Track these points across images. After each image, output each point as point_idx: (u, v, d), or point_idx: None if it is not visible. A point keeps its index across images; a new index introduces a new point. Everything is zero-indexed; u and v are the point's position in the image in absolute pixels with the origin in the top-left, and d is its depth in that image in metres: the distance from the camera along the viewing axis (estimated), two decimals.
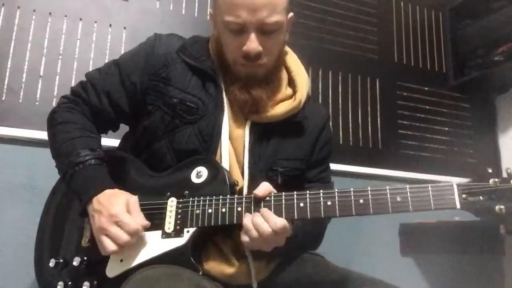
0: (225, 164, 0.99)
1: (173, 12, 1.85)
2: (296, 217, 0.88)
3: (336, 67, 2.12)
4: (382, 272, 1.14)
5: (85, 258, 0.98)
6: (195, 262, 0.91)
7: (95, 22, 1.72)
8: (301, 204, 0.88)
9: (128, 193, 0.95)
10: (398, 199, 0.82)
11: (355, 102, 2.13)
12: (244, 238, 0.89)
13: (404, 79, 2.26)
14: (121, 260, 0.93)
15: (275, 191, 0.92)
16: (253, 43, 0.96)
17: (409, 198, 0.82)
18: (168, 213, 0.96)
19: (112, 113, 1.07)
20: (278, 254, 1.04)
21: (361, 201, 0.85)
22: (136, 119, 1.08)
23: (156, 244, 0.93)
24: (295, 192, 0.90)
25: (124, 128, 1.17)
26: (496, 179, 0.78)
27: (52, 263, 1.00)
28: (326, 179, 1.19)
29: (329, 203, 0.87)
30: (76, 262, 0.96)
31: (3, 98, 1.55)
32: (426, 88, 2.30)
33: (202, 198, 0.95)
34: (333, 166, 1.32)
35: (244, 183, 1.00)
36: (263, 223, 0.87)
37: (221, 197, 0.94)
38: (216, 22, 1.04)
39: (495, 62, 2.17)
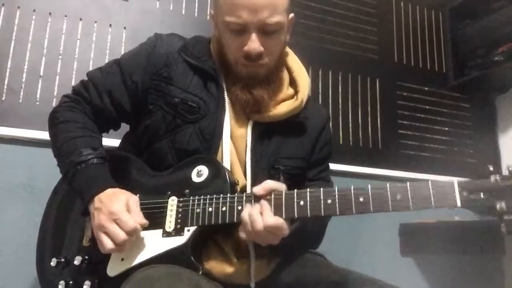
0: (226, 163, 1.00)
1: (173, 12, 1.85)
2: (296, 215, 0.88)
3: (336, 67, 2.12)
4: (382, 272, 1.14)
5: (86, 257, 0.98)
6: (196, 261, 0.91)
7: (95, 22, 1.72)
8: (301, 203, 0.88)
9: (129, 193, 0.95)
10: (398, 197, 0.82)
11: (355, 102, 2.13)
12: (240, 229, 0.90)
13: (404, 79, 2.26)
14: (122, 259, 0.94)
15: (280, 188, 0.91)
16: (254, 43, 0.96)
17: (409, 195, 0.81)
18: (168, 212, 0.96)
19: (114, 112, 1.07)
20: (279, 253, 1.04)
21: (361, 199, 0.84)
22: (137, 119, 1.08)
23: (156, 243, 0.94)
24: (295, 191, 0.89)
25: (124, 128, 1.17)
26: (497, 177, 0.77)
27: (53, 262, 1.00)
28: (326, 179, 1.19)
29: (329, 201, 0.86)
30: (77, 261, 0.97)
31: (3, 98, 1.55)
32: (426, 88, 2.30)
33: (202, 197, 0.95)
34: (333, 166, 1.32)
35: (247, 182, 1.00)
36: (258, 217, 0.86)
37: (221, 195, 0.93)
38: (217, 23, 1.04)
39: (495, 62, 2.17)
